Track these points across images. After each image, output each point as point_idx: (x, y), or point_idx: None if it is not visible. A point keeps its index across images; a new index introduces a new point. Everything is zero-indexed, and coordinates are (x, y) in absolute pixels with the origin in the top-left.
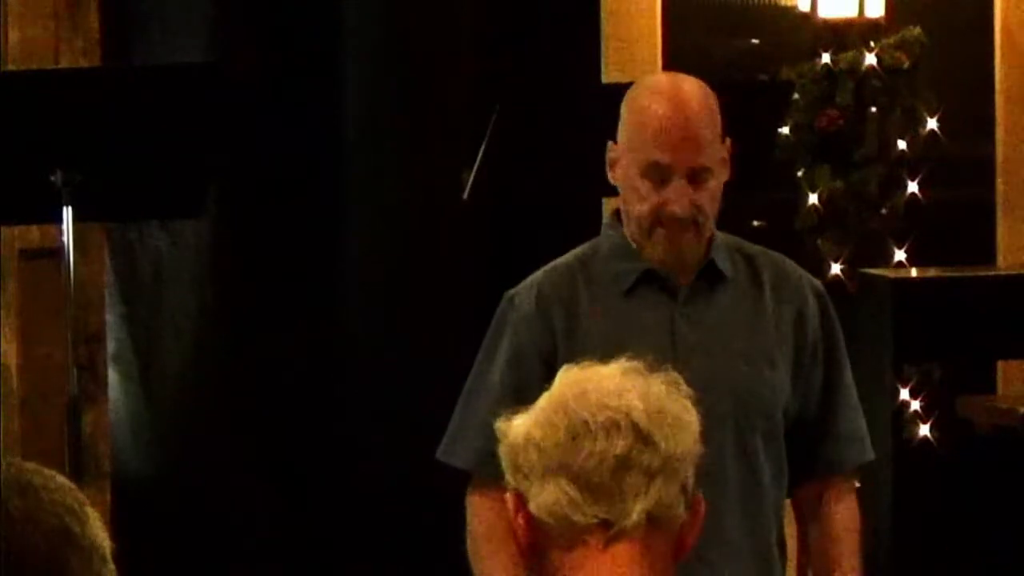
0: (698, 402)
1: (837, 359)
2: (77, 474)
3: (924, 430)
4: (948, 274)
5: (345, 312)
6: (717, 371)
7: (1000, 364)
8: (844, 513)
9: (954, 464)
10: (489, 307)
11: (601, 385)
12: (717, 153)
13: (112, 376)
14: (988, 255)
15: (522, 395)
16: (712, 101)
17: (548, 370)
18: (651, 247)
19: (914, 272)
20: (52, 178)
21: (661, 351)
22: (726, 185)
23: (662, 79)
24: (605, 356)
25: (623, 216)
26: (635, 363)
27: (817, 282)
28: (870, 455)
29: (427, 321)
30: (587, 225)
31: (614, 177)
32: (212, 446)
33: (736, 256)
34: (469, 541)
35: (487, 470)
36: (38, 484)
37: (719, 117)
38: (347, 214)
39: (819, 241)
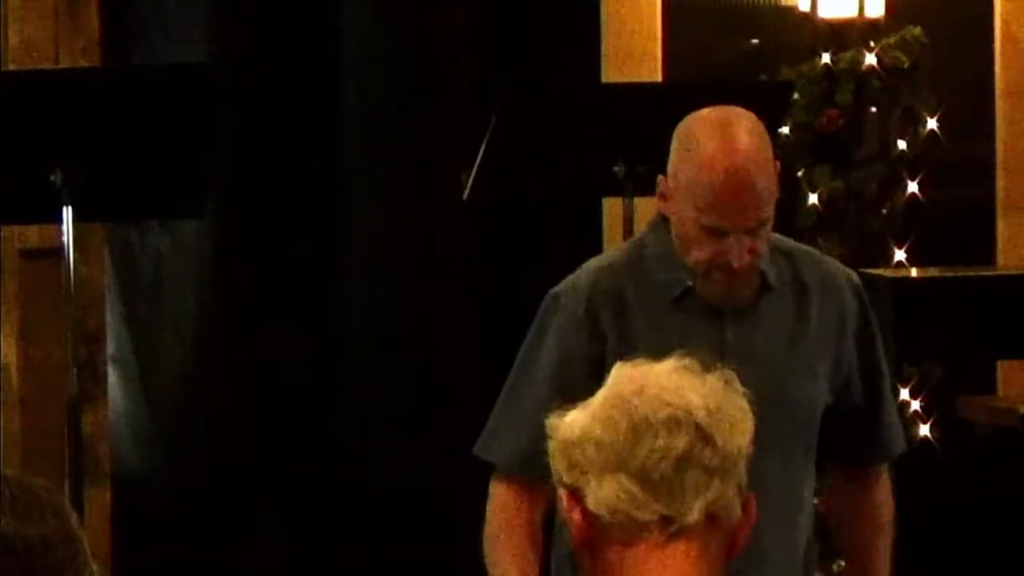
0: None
1: (876, 351)
2: (77, 474)
3: (924, 430)
4: (948, 274)
5: (345, 312)
6: (763, 382)
7: (1000, 364)
8: (884, 502)
9: (954, 464)
10: (489, 307)
11: (659, 382)
12: (773, 193)
13: (112, 376)
14: (988, 255)
15: (567, 397)
16: (765, 139)
17: (595, 373)
18: (706, 287)
19: (914, 272)
20: (52, 178)
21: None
22: None
23: (717, 123)
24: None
25: (678, 246)
26: (689, 360)
27: (855, 276)
28: (904, 444)
29: (427, 321)
30: (587, 225)
31: (665, 209)
32: (212, 446)
33: (778, 258)
34: (487, 529)
35: (526, 470)
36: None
37: (771, 152)
38: (347, 214)
39: (819, 241)
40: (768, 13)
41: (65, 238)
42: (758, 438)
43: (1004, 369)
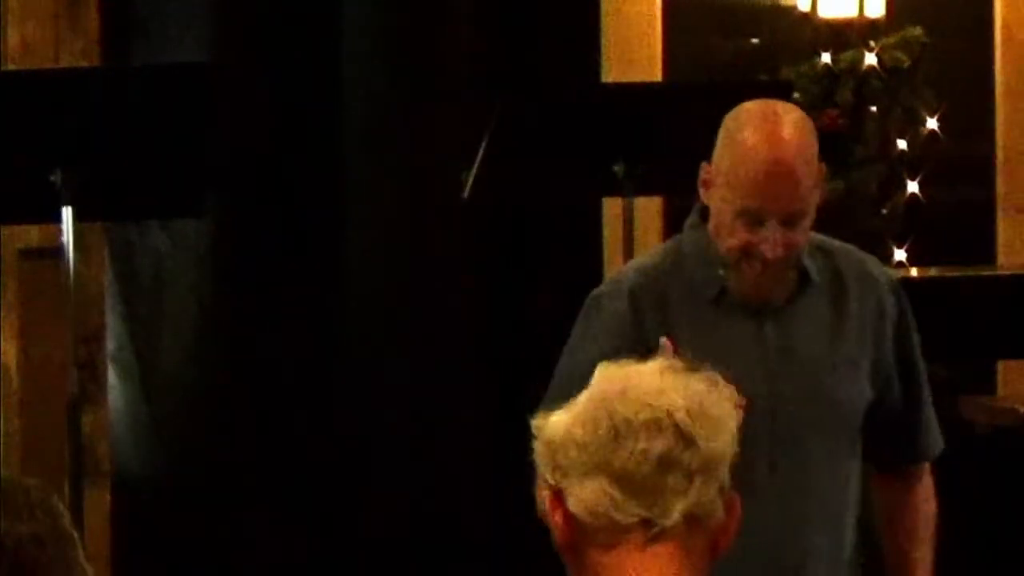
0: (788, 411)
1: (915, 350)
2: (77, 474)
3: None
4: (948, 274)
5: (345, 312)
6: (807, 379)
7: (1000, 364)
8: (926, 502)
9: (954, 464)
10: (489, 306)
11: (642, 383)
12: (814, 190)
13: (112, 376)
14: (988, 255)
15: None
16: (810, 133)
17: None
18: (737, 278)
19: (914, 272)
20: (52, 178)
21: (751, 360)
22: None
23: (765, 113)
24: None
25: (714, 236)
26: (674, 361)
27: (892, 274)
28: (943, 444)
29: (427, 321)
30: (587, 225)
31: (706, 197)
32: (212, 446)
33: (816, 254)
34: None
35: None
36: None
37: (816, 148)
38: (347, 214)
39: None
40: (768, 13)
41: (65, 238)
42: (801, 436)
43: (1004, 369)
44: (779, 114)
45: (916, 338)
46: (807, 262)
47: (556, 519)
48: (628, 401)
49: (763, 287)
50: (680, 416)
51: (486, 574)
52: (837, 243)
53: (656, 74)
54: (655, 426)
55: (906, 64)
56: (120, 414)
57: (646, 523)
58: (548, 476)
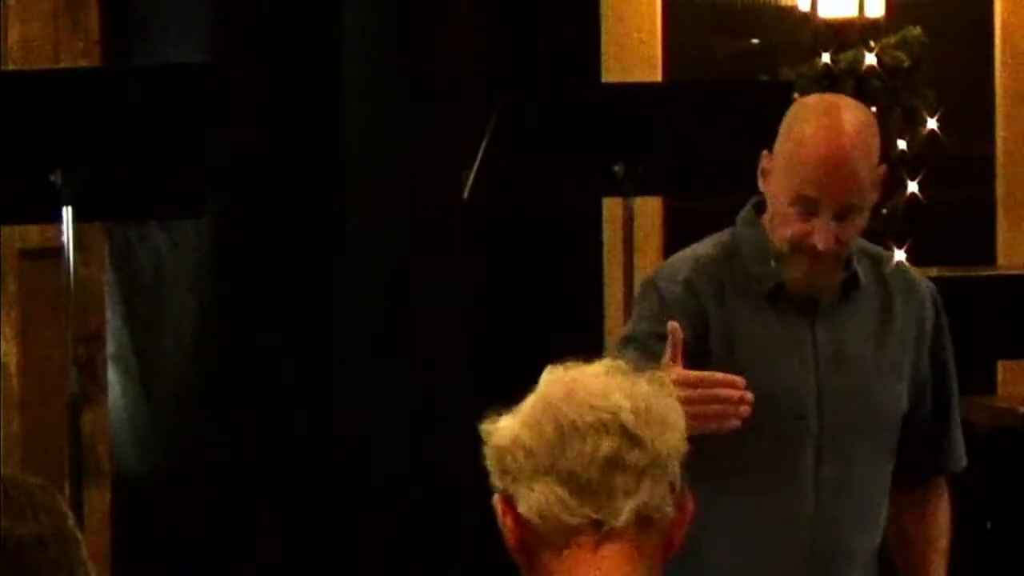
0: (835, 410)
1: (949, 362)
2: (77, 474)
3: None
4: (948, 274)
5: (345, 312)
6: (854, 381)
7: (1000, 364)
8: (944, 514)
9: None
10: (489, 306)
11: (587, 385)
12: (870, 187)
13: (112, 376)
14: (988, 255)
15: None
16: (872, 132)
17: (695, 353)
18: (789, 268)
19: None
20: (52, 178)
21: (802, 358)
22: (725, 186)
23: (828, 105)
24: (751, 359)
25: (769, 227)
26: (619, 363)
27: (931, 284)
28: (966, 460)
29: (427, 321)
30: (587, 225)
31: (765, 185)
32: (212, 446)
33: (864, 260)
34: None
35: None
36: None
37: (877, 147)
38: (347, 214)
39: None
40: (768, 13)
41: (65, 238)
42: (847, 439)
43: (1004, 369)
44: (841, 107)
45: (951, 350)
46: (856, 266)
47: (507, 523)
48: (574, 403)
49: (813, 280)
50: (626, 416)
51: (486, 574)
52: (881, 249)
53: (656, 74)
54: (601, 427)
55: (906, 64)
56: (120, 414)
57: (596, 524)
58: (498, 481)
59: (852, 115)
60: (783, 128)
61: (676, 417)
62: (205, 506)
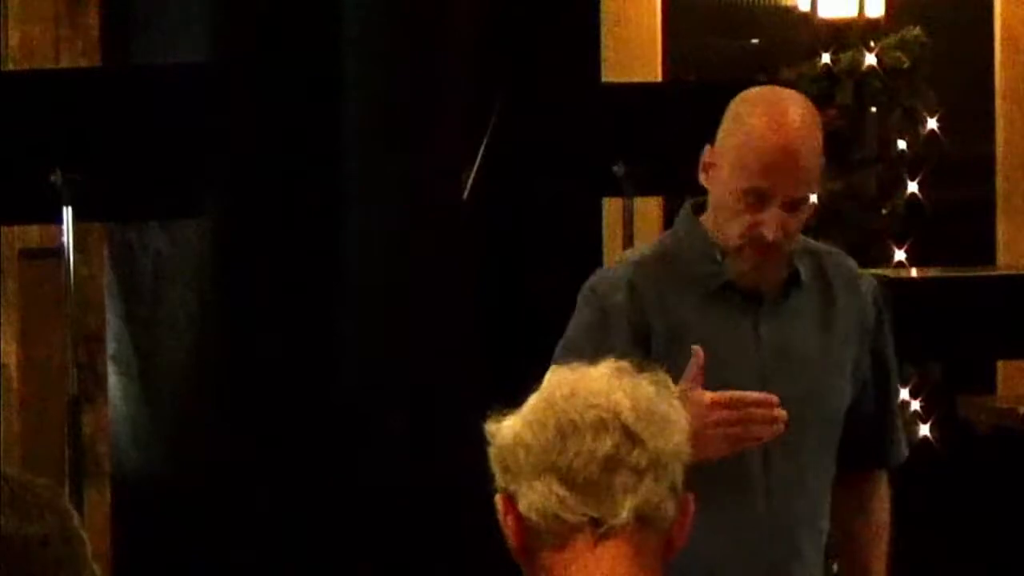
0: (783, 412)
1: (890, 356)
2: (77, 474)
3: (924, 430)
4: (948, 274)
5: (344, 312)
6: (800, 378)
7: (1000, 364)
8: (884, 507)
9: (954, 464)
10: (489, 306)
11: (589, 385)
12: (816, 179)
13: (112, 376)
14: (988, 255)
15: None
16: (817, 124)
17: (643, 356)
18: (736, 263)
19: (914, 272)
20: (52, 178)
21: (747, 359)
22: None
23: (771, 97)
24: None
25: (711, 221)
26: (624, 363)
27: (874, 280)
28: (907, 453)
29: (426, 321)
30: (587, 225)
31: (706, 180)
32: (212, 446)
33: (805, 257)
34: None
35: None
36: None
37: (821, 140)
38: (347, 214)
39: (819, 241)
40: (768, 13)
41: (65, 238)
42: (795, 436)
43: (1004, 369)
44: (787, 100)
45: (892, 344)
46: (797, 264)
47: (508, 522)
48: (575, 402)
49: (761, 273)
50: (627, 416)
51: (486, 574)
52: (823, 245)
53: (656, 74)
54: (601, 426)
55: (906, 64)
56: (120, 414)
57: (595, 522)
58: (500, 480)
59: (798, 107)
60: (727, 122)
61: (678, 418)
62: (205, 506)
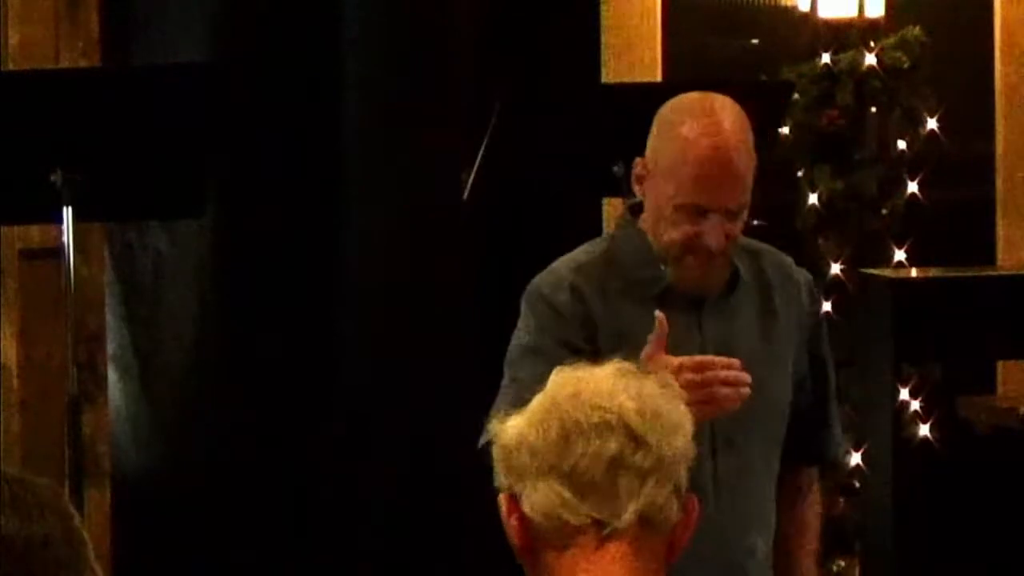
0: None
1: (826, 352)
2: (77, 474)
3: (924, 430)
4: (948, 274)
5: (344, 312)
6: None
7: (1000, 364)
8: (817, 502)
9: (954, 464)
10: (489, 307)
11: (594, 386)
12: (752, 181)
13: (112, 376)
14: (988, 255)
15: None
16: (748, 126)
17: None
18: (679, 272)
19: (914, 272)
20: (52, 178)
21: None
22: None
23: (702, 106)
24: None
25: (650, 228)
26: (629, 365)
27: (808, 275)
28: (843, 447)
29: (426, 321)
30: (587, 225)
31: (641, 192)
32: (212, 446)
33: (744, 256)
34: None
35: None
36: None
37: (752, 141)
38: (347, 214)
39: (819, 241)
40: (768, 13)
41: (65, 238)
42: (741, 436)
43: (1004, 369)
44: (717, 108)
45: (827, 336)
46: (736, 262)
47: (512, 523)
48: (579, 404)
49: (705, 279)
50: (631, 417)
51: (486, 574)
52: (759, 243)
53: (656, 74)
54: (606, 427)
55: (906, 64)
56: (120, 414)
57: (598, 524)
58: (504, 480)
59: (730, 113)
60: (659, 132)
61: (683, 420)
62: (205, 506)
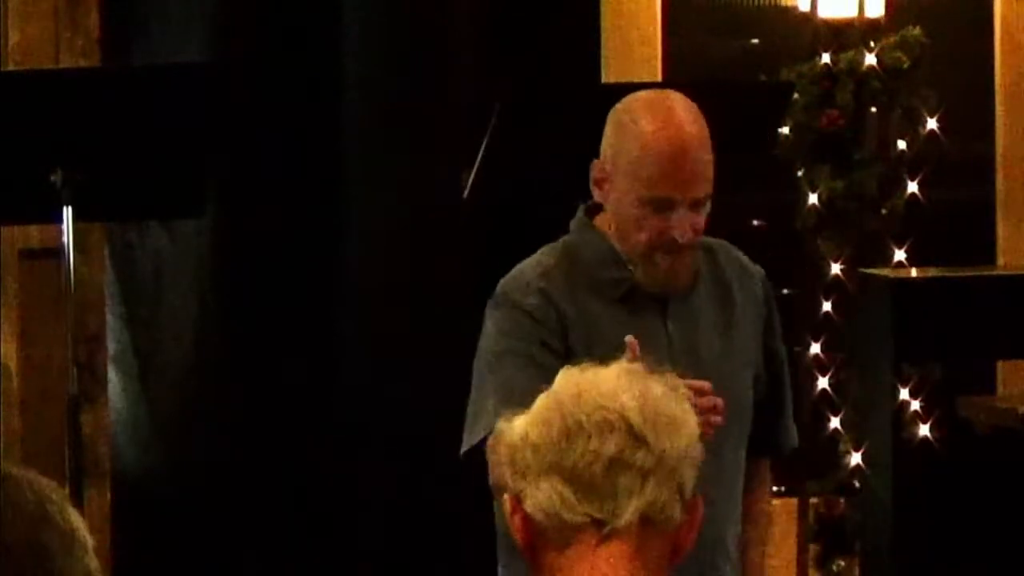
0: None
1: (779, 346)
2: (77, 474)
3: (924, 430)
4: (948, 274)
5: (344, 312)
6: (710, 374)
7: (1000, 364)
8: (767, 493)
9: (954, 464)
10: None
11: (598, 386)
12: (712, 171)
13: (112, 376)
14: (988, 255)
15: (545, 369)
16: (702, 117)
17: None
18: (648, 270)
19: (914, 272)
20: (52, 178)
21: (658, 357)
22: (724, 186)
23: (658, 102)
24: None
25: (613, 231)
26: (635, 365)
27: (762, 270)
28: (796, 441)
29: (426, 321)
30: None
31: (601, 195)
32: (212, 446)
33: (700, 254)
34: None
35: None
36: (16, 475)
37: (707, 128)
38: (347, 214)
39: (819, 241)
40: (768, 13)
41: (65, 238)
42: (716, 432)
43: (1004, 369)
44: (672, 102)
45: (780, 329)
46: (701, 266)
47: (516, 522)
48: (582, 402)
49: (677, 274)
50: (633, 417)
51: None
52: (714, 240)
53: (656, 74)
54: (607, 426)
55: (906, 64)
56: (120, 414)
57: (598, 523)
58: (509, 479)
59: (685, 107)
60: (614, 133)
61: (687, 421)
62: (205, 506)
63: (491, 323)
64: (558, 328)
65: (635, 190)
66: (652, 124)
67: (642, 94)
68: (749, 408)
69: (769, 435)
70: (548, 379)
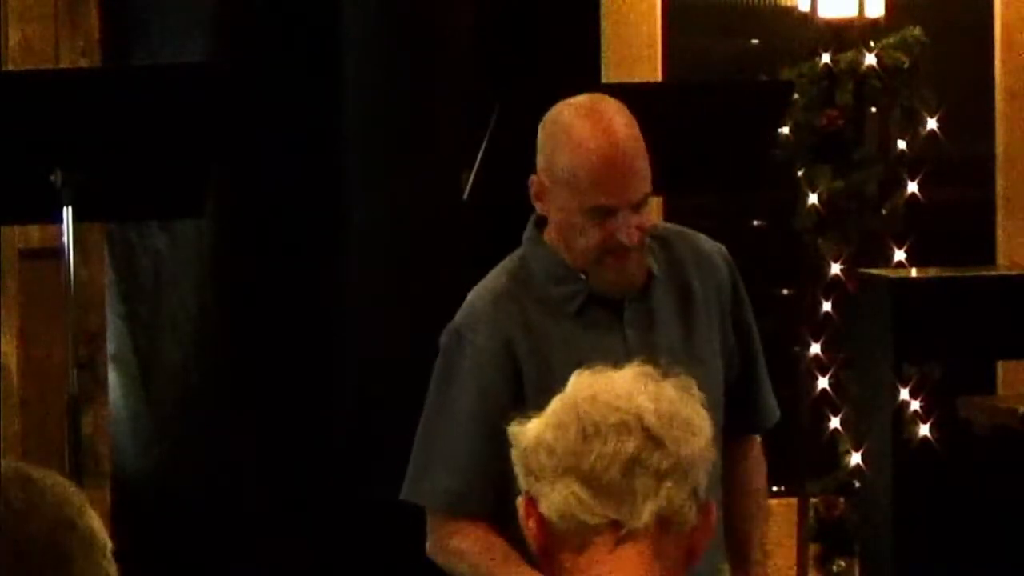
0: None
1: (751, 323)
2: (77, 474)
3: (924, 430)
4: (948, 274)
5: (345, 312)
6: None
7: (1000, 364)
8: (760, 471)
9: (954, 464)
10: None
11: (613, 388)
12: (649, 170)
13: (112, 376)
14: (988, 255)
15: (492, 427)
16: (633, 119)
17: (516, 399)
18: (600, 275)
19: (914, 272)
20: (52, 178)
21: (618, 365)
22: (724, 185)
23: (588, 108)
24: (568, 377)
25: (558, 242)
26: (648, 367)
27: (722, 247)
28: (778, 414)
29: (427, 321)
30: None
31: (543, 208)
32: (212, 446)
33: (655, 246)
34: (463, 566)
35: (459, 510)
36: (37, 478)
37: (638, 128)
38: (347, 214)
39: (819, 241)
40: (768, 13)
41: (65, 238)
42: None
43: (1004, 369)
44: (600, 107)
45: (749, 305)
46: (653, 263)
47: (530, 524)
48: (598, 405)
49: (628, 274)
50: (649, 419)
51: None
52: (671, 227)
53: (656, 74)
54: (624, 428)
55: (906, 64)
56: (120, 414)
57: (615, 525)
58: (523, 482)
59: (615, 110)
60: (548, 144)
61: (702, 422)
62: (205, 506)
63: (443, 360)
64: (507, 368)
65: (575, 200)
66: (584, 132)
67: (571, 102)
68: (719, 401)
69: (749, 410)
70: (493, 445)
